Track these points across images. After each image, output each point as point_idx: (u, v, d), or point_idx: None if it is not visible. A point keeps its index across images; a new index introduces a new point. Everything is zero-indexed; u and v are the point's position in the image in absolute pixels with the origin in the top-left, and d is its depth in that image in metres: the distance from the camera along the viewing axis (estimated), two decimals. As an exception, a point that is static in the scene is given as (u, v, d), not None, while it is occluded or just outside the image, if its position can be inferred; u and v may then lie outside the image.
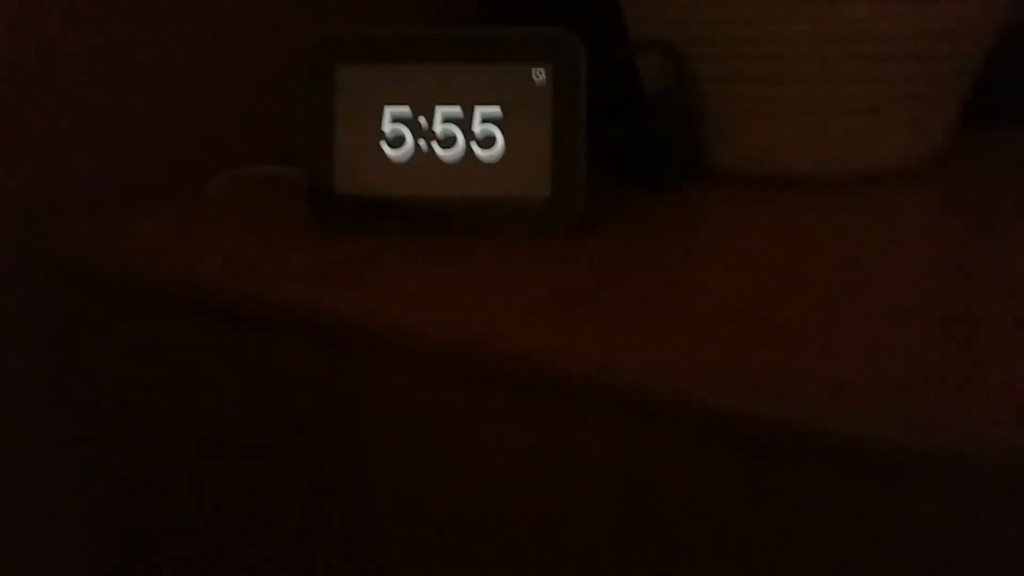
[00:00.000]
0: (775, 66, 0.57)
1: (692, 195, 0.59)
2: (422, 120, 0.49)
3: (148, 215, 0.57)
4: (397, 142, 0.49)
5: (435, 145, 0.49)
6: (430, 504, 0.42)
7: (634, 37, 0.61)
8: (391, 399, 0.41)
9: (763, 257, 0.45)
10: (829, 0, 0.54)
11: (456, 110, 0.49)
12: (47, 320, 0.59)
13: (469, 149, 0.49)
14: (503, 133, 0.48)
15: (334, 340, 0.42)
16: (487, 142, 0.49)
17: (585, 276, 0.43)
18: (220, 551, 0.54)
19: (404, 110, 0.49)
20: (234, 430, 0.48)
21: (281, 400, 0.45)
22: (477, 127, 0.49)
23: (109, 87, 0.61)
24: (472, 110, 0.49)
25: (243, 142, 0.73)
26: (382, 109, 0.49)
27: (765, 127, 0.60)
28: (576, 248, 0.47)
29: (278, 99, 0.75)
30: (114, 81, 0.62)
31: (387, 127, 0.49)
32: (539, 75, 0.48)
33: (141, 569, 0.59)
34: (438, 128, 0.49)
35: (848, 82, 0.57)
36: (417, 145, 0.49)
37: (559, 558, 0.39)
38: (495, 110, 0.48)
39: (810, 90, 0.57)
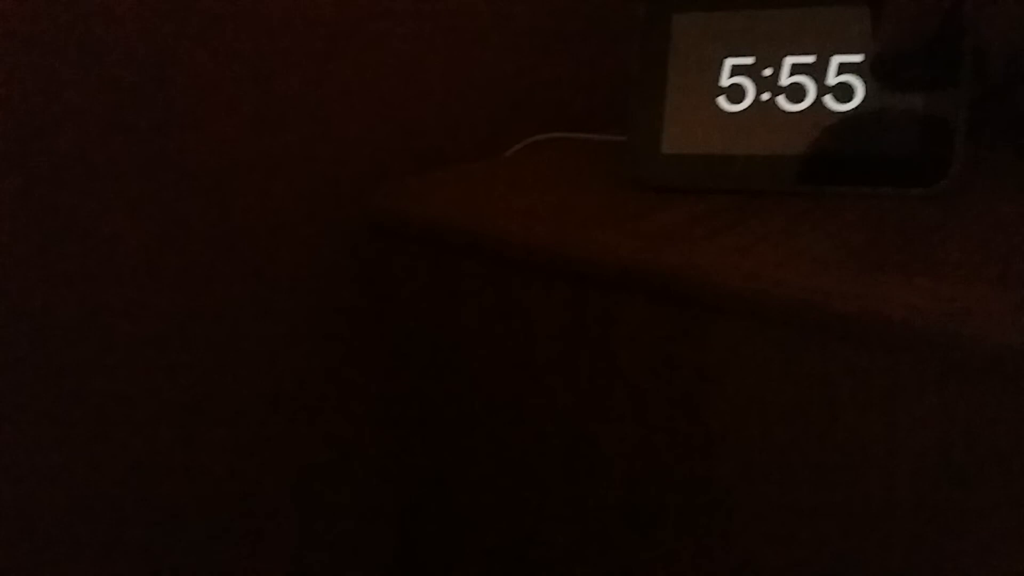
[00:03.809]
0: None
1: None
2: (767, 71, 0.45)
3: (460, 176, 0.58)
4: (736, 96, 0.46)
5: (781, 98, 0.45)
6: (789, 473, 0.39)
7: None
8: (742, 362, 0.39)
9: None
10: None
11: (808, 59, 0.45)
12: (371, 268, 0.62)
13: (821, 101, 0.44)
14: (864, 84, 0.44)
15: (681, 300, 0.39)
16: (844, 94, 0.44)
17: (968, 251, 0.37)
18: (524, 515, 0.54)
19: (746, 61, 0.46)
20: (549, 390, 0.48)
21: (604, 361, 0.44)
22: (832, 78, 0.44)
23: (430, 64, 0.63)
24: (827, 59, 0.44)
25: (544, 112, 0.73)
26: (721, 60, 0.46)
27: None
28: (939, 213, 0.42)
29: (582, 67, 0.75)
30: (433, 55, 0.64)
31: (726, 80, 0.46)
32: (915, 16, 0.42)
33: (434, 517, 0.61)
34: (785, 80, 0.45)
35: None
36: (759, 98, 0.46)
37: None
38: (855, 59, 0.44)
39: None
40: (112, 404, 0.50)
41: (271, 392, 0.59)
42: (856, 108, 0.44)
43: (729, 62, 0.46)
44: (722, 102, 0.46)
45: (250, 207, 0.55)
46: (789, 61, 0.45)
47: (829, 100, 0.44)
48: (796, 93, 0.45)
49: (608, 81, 0.77)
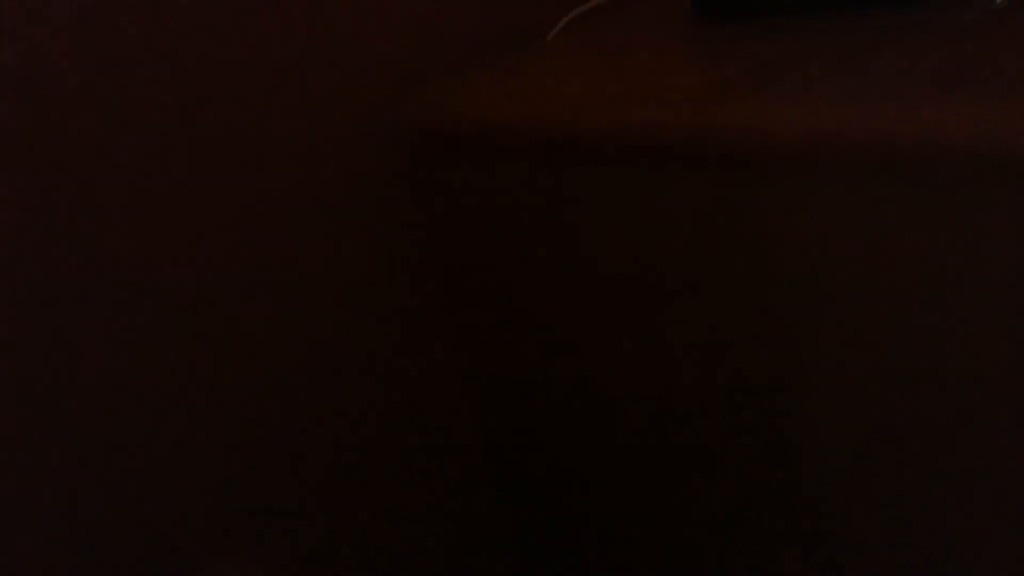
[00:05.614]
0: None
1: None
2: None
3: (503, 69, 0.56)
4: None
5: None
6: (870, 332, 0.38)
7: None
8: (810, 219, 0.38)
9: None
10: None
11: None
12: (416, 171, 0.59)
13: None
14: None
15: (737, 160, 0.38)
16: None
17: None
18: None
19: None
20: (613, 279, 0.47)
21: (666, 239, 0.43)
22: None
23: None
24: None
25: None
26: None
27: None
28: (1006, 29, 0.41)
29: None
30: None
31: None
32: None
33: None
34: None
35: None
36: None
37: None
38: None
39: None
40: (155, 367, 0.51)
41: (323, 333, 0.57)
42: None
43: None
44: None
45: (267, 133, 0.51)
46: None
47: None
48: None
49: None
